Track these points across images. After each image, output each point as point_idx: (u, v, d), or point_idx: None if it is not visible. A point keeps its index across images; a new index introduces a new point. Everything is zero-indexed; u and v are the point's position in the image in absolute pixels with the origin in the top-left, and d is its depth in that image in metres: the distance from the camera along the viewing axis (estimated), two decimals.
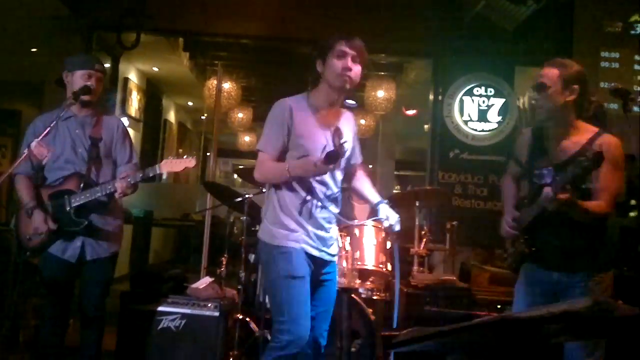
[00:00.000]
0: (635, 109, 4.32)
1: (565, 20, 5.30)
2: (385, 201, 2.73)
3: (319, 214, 2.58)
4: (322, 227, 2.59)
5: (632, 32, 5.29)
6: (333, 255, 2.70)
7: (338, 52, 2.51)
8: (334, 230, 2.70)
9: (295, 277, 2.52)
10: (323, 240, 2.60)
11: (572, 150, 2.52)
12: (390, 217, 2.66)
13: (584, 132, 2.54)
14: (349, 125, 2.70)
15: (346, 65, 2.50)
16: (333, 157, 2.38)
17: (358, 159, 2.85)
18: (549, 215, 2.44)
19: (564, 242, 2.50)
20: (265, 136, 2.60)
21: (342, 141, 2.41)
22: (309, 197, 2.55)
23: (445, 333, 1.36)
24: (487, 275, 3.76)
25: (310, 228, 2.56)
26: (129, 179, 3.01)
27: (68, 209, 3.04)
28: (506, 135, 5.40)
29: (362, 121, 8.33)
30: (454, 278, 4.05)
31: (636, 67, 5.30)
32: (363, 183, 2.84)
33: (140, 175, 3.04)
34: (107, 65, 5.95)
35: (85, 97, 3.06)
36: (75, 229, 3.04)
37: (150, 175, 3.05)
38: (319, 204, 2.57)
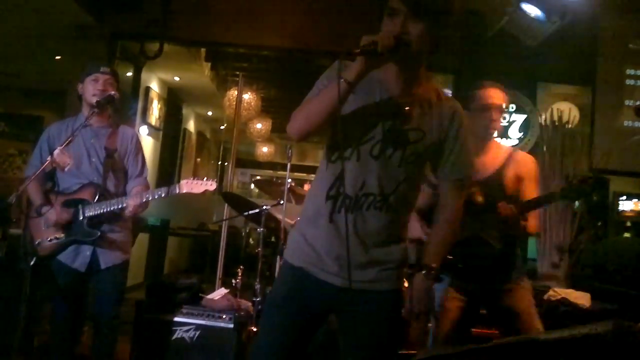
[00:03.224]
0: None
1: (590, 38, 5.25)
2: (429, 273, 1.93)
3: (344, 217, 1.81)
4: (341, 237, 1.82)
5: None
6: (367, 284, 1.86)
7: (389, 9, 1.79)
8: (367, 248, 1.86)
9: (272, 304, 1.97)
10: (337, 257, 1.85)
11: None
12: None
13: None
14: (446, 115, 1.90)
15: (397, 27, 1.75)
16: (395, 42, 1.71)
17: (452, 173, 1.95)
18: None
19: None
20: (311, 92, 1.92)
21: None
22: (333, 190, 1.85)
23: (464, 354, 1.34)
24: None
25: (318, 233, 1.88)
26: (145, 197, 3.01)
27: (81, 218, 3.04)
28: (527, 152, 5.32)
29: None
30: None
31: None
32: (435, 231, 2.00)
33: (159, 193, 3.04)
34: (129, 74, 6.02)
35: (93, 100, 3.05)
36: (88, 239, 3.05)
37: (168, 194, 3.05)
38: (346, 202, 1.83)
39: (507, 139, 5.38)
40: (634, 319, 1.32)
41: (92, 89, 3.08)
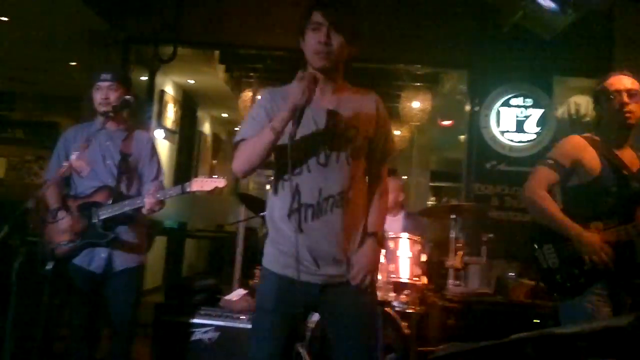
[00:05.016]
0: None
1: (606, 30, 5.19)
2: (375, 239, 2.14)
3: (311, 224, 2.03)
4: (315, 242, 2.03)
5: None
6: (337, 277, 2.08)
7: (312, 24, 2.05)
8: (335, 245, 2.06)
9: (262, 310, 2.14)
10: (315, 259, 2.04)
11: (635, 166, 2.56)
12: (356, 266, 2.09)
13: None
14: (360, 106, 2.15)
15: (321, 39, 2.02)
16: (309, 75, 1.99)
17: (382, 156, 2.22)
18: None
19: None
20: (241, 129, 2.16)
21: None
22: (295, 204, 2.04)
23: (483, 349, 1.33)
24: (525, 288, 3.66)
25: (292, 243, 2.02)
26: (158, 196, 3.02)
27: (96, 221, 3.06)
28: (544, 147, 5.28)
29: (397, 132, 8.27)
30: (490, 291, 3.96)
31: None
32: (374, 205, 2.22)
33: (171, 192, 3.06)
34: (144, 78, 6.07)
35: (100, 109, 3.08)
36: (102, 241, 3.06)
37: (180, 193, 3.06)
38: (310, 210, 2.03)
39: (524, 134, 5.33)
40: None
41: (97, 97, 3.11)
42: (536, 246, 2.63)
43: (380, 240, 2.17)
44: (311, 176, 2.04)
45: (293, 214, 2.03)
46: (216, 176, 3.09)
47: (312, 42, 2.05)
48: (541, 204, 2.58)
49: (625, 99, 2.52)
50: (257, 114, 2.12)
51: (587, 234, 2.46)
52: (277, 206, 2.10)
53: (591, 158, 2.57)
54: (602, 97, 2.62)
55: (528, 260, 4.76)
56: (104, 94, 3.09)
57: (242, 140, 2.09)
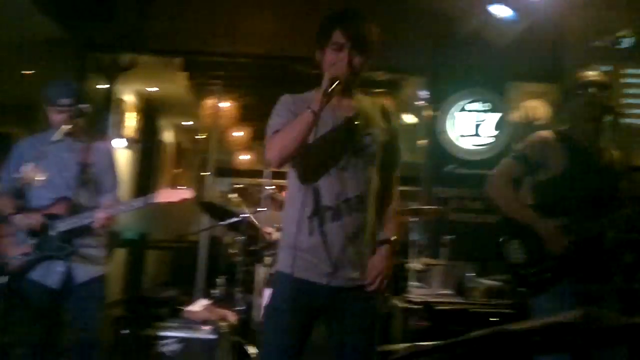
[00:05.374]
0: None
1: (557, 36, 5.35)
2: (391, 246, 2.21)
3: (330, 227, 2.09)
4: (333, 245, 2.09)
5: (621, 46, 5.34)
6: (351, 281, 2.13)
7: (333, 44, 2.13)
8: (351, 248, 2.12)
9: (276, 309, 2.17)
10: (331, 262, 2.09)
11: (606, 161, 2.59)
12: (373, 271, 2.16)
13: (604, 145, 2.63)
14: (383, 115, 2.27)
15: (344, 60, 2.11)
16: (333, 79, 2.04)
17: (393, 164, 2.30)
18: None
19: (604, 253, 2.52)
20: (272, 124, 2.19)
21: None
22: (315, 206, 2.10)
23: (442, 348, 1.36)
24: (483, 288, 3.75)
25: (310, 246, 2.10)
26: (118, 209, 2.99)
27: (53, 233, 3.01)
28: (501, 150, 5.40)
29: None
30: (450, 292, 4.03)
31: (624, 80, 5.35)
32: (388, 212, 2.29)
33: (135, 204, 3.03)
34: (102, 86, 5.97)
35: (58, 127, 3.03)
36: (60, 254, 3.00)
37: (144, 205, 3.03)
38: (329, 213, 2.09)
39: (481, 138, 5.44)
40: None
41: (54, 117, 3.07)
42: (503, 242, 2.66)
43: (396, 247, 2.24)
44: (330, 180, 2.11)
45: (313, 216, 2.10)
46: (184, 187, 3.06)
47: (332, 60, 2.13)
48: (504, 196, 2.65)
49: (594, 91, 2.57)
50: (282, 114, 2.19)
51: (550, 228, 2.51)
52: (295, 209, 2.13)
53: (558, 153, 2.61)
54: (571, 92, 2.67)
55: (487, 260, 4.88)
56: (61, 119, 3.04)
57: (275, 132, 2.14)
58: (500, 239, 2.67)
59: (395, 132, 2.29)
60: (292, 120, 2.12)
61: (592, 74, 2.67)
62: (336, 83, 2.03)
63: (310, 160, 2.10)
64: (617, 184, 2.59)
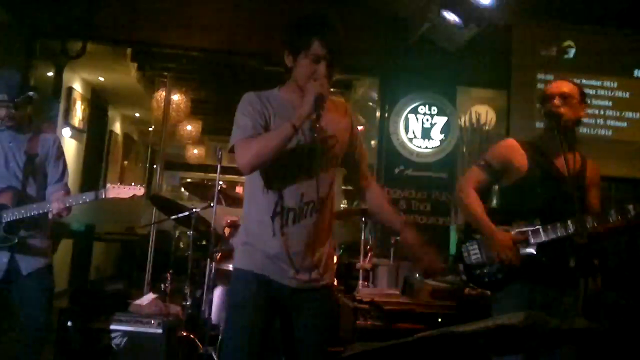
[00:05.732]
0: None
1: (504, 44, 5.53)
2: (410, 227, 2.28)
3: (291, 228, 2.11)
4: (295, 246, 2.11)
5: (566, 56, 5.56)
6: (310, 282, 2.15)
7: (312, 55, 2.08)
8: (313, 249, 2.14)
9: (237, 306, 2.17)
10: (293, 263, 2.11)
11: (573, 169, 2.57)
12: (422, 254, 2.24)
13: (572, 152, 2.65)
14: (343, 116, 2.27)
15: (322, 72, 2.08)
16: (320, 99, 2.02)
17: (362, 158, 2.35)
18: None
19: (559, 259, 2.55)
20: (242, 125, 2.11)
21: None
22: (278, 207, 2.11)
23: (390, 348, 1.42)
24: (429, 289, 3.85)
25: (272, 246, 2.11)
26: (70, 200, 2.96)
27: None
28: (448, 153, 5.56)
29: None
30: (398, 292, 4.13)
31: None
32: (382, 201, 2.38)
33: (84, 197, 3.00)
34: (50, 74, 5.82)
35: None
36: (4, 245, 2.95)
37: (94, 199, 3.00)
38: (291, 214, 2.11)
39: (429, 141, 5.58)
40: None
41: None
42: (463, 243, 2.75)
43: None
44: (294, 182, 2.11)
45: (276, 217, 2.10)
46: (133, 183, 3.05)
47: (308, 71, 2.09)
48: (465, 202, 2.71)
49: (557, 101, 2.63)
50: (251, 115, 2.11)
51: (498, 234, 2.58)
52: (258, 209, 2.14)
53: (520, 159, 2.67)
54: (541, 102, 2.75)
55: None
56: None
57: (247, 137, 2.06)
58: (461, 241, 2.76)
59: (356, 128, 2.32)
60: (258, 120, 2.10)
61: (555, 85, 2.74)
62: (322, 101, 2.03)
63: (276, 163, 2.07)
64: (581, 192, 2.61)
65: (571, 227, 2.51)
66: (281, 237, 2.10)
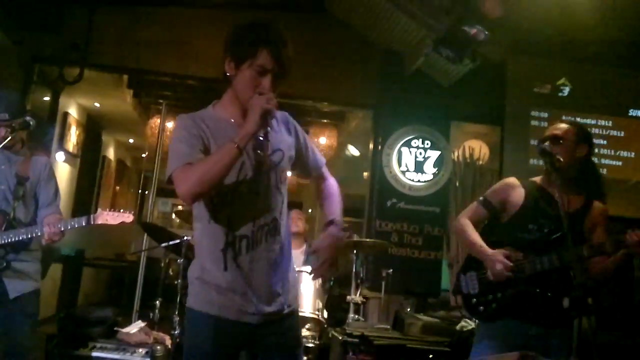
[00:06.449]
0: None
1: (499, 80, 5.60)
2: (336, 225, 2.05)
3: (245, 257, 1.91)
4: (253, 277, 1.91)
5: (560, 94, 5.63)
6: (277, 313, 1.96)
7: (258, 66, 1.89)
8: (273, 276, 1.95)
9: (195, 350, 1.95)
10: (252, 297, 1.91)
11: (574, 207, 2.65)
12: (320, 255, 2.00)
13: (576, 193, 2.70)
14: (286, 126, 2.09)
15: (267, 85, 1.89)
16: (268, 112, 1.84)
17: (319, 162, 2.18)
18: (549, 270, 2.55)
19: (553, 297, 2.56)
20: (177, 152, 1.89)
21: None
22: (230, 236, 1.90)
23: None
24: (420, 324, 3.82)
25: (226, 281, 1.90)
26: (59, 226, 2.94)
27: None
28: (441, 187, 5.59)
29: None
30: (388, 327, 4.10)
31: None
32: (331, 199, 2.16)
33: (74, 223, 2.98)
34: (46, 98, 5.85)
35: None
36: None
37: (84, 224, 2.99)
38: (244, 242, 1.91)
39: (422, 174, 5.60)
40: None
41: None
42: (462, 273, 2.78)
43: (341, 227, 2.07)
44: (243, 205, 1.91)
45: (228, 247, 1.90)
46: (123, 210, 3.05)
47: (251, 82, 1.90)
48: (461, 229, 2.78)
49: (549, 143, 2.69)
50: (186, 139, 1.90)
51: (491, 252, 2.62)
52: (208, 240, 1.95)
53: (518, 197, 2.74)
54: (537, 143, 2.83)
55: (425, 296, 4.97)
56: None
57: (186, 164, 1.85)
58: (461, 272, 2.79)
59: (302, 134, 2.12)
60: (195, 144, 1.89)
61: (551, 127, 2.82)
62: (269, 117, 1.86)
63: (220, 188, 1.86)
64: (578, 230, 2.62)
65: (564, 257, 2.52)
66: (236, 269, 1.90)
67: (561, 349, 2.54)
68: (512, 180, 2.84)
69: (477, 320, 2.78)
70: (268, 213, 1.94)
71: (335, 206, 2.12)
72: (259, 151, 1.93)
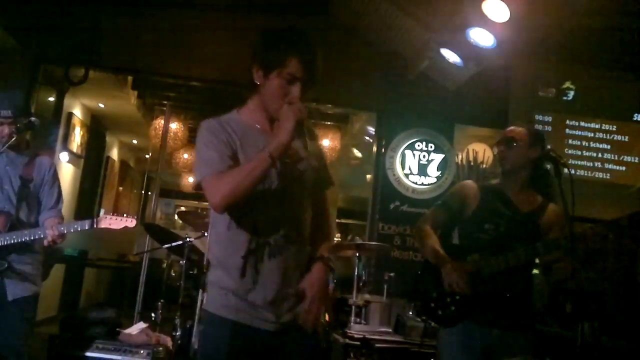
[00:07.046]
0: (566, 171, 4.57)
1: (503, 84, 5.59)
2: (319, 263, 1.98)
3: (267, 264, 1.89)
4: (273, 284, 1.89)
5: (564, 97, 5.62)
6: (294, 321, 1.92)
7: (287, 74, 1.89)
8: (292, 284, 1.93)
9: (210, 356, 1.95)
10: (272, 305, 1.89)
11: (529, 207, 2.70)
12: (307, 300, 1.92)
13: (531, 194, 2.74)
14: (308, 139, 2.03)
15: (296, 94, 1.89)
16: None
17: (324, 184, 2.13)
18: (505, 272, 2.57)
19: (512, 300, 2.60)
20: (207, 159, 1.91)
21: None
22: (253, 243, 1.90)
23: None
24: (421, 328, 3.80)
25: (247, 289, 1.89)
26: (61, 229, 2.94)
27: None
28: (444, 190, 5.56)
29: None
30: (390, 330, 4.08)
31: (567, 131, 5.61)
32: (321, 228, 2.07)
33: (77, 226, 2.98)
34: (51, 99, 5.87)
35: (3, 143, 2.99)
36: None
37: (87, 228, 2.99)
38: (266, 250, 1.90)
39: (426, 177, 5.59)
40: None
41: None
42: (420, 277, 2.79)
43: (329, 265, 2.01)
44: (267, 213, 1.91)
45: (249, 255, 1.89)
46: (126, 215, 3.05)
47: (280, 91, 1.90)
48: (421, 237, 2.81)
49: (499, 146, 2.79)
50: (216, 146, 1.90)
51: (449, 265, 2.63)
52: (229, 246, 1.92)
53: (474, 198, 2.78)
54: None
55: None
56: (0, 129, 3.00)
57: (218, 173, 1.86)
58: (419, 276, 2.79)
59: (323, 152, 2.13)
60: (225, 151, 1.89)
61: (508, 130, 2.86)
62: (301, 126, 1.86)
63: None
64: (532, 229, 2.69)
65: (521, 255, 2.57)
66: (255, 276, 1.88)
67: (523, 351, 2.56)
68: (469, 182, 2.90)
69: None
70: (292, 222, 1.93)
71: (326, 240, 2.07)
72: (287, 160, 1.92)
